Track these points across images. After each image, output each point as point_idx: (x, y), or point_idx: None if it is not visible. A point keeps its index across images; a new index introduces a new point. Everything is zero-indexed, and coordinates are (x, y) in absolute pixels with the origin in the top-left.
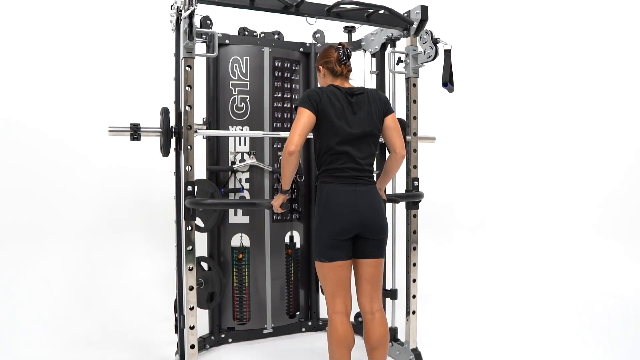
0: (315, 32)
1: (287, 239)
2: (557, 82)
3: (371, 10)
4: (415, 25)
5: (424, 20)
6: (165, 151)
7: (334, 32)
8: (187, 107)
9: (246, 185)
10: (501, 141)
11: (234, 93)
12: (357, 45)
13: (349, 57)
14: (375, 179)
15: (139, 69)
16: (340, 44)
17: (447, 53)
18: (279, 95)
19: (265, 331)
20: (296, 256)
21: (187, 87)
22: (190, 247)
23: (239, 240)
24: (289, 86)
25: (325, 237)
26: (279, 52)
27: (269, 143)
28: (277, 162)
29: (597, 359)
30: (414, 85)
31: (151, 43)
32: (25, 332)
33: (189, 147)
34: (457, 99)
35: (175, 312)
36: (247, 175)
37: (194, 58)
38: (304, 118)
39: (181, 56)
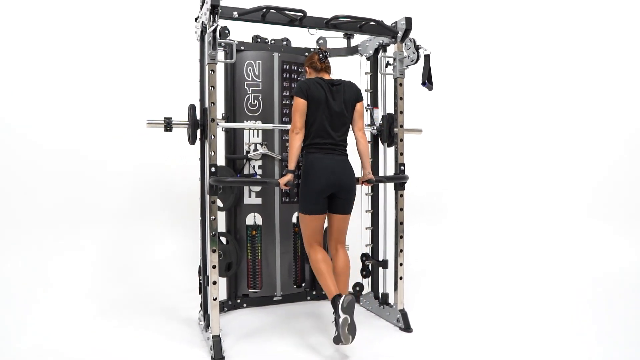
0: (318, 39)
1: (294, 219)
2: (544, 70)
3: (363, 22)
4: (400, 34)
5: (408, 29)
6: (192, 140)
7: (335, 38)
8: (210, 104)
9: (259, 172)
10: (490, 131)
11: (248, 92)
12: (355, 50)
13: (326, 57)
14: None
15: (167, 72)
16: (319, 48)
17: (427, 57)
18: (287, 94)
19: (275, 298)
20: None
21: (210, 88)
22: (213, 217)
23: (253, 219)
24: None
25: (308, 195)
26: (287, 57)
27: (279, 135)
28: (285, 151)
29: (595, 328)
30: (401, 84)
31: (179, 50)
32: (66, 299)
33: (212, 136)
34: (444, 95)
35: (200, 275)
36: (259, 162)
37: (216, 64)
38: (300, 105)
39: (205, 62)
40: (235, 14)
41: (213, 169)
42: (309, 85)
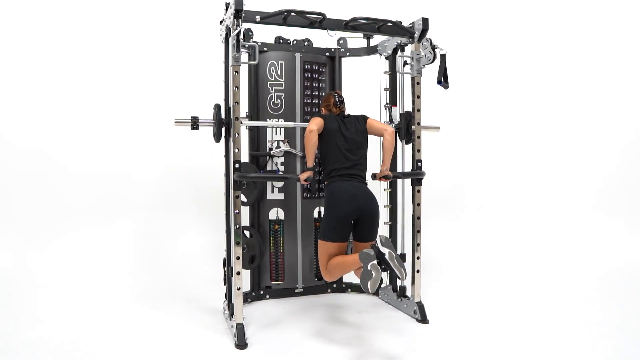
0: (339, 39)
1: (315, 214)
2: (554, 68)
3: (381, 24)
4: (417, 34)
5: (425, 30)
6: (217, 138)
7: (355, 38)
8: (235, 103)
9: (281, 168)
10: (504, 127)
11: (271, 91)
12: (374, 50)
13: (342, 102)
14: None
15: (191, 73)
16: (335, 92)
17: (442, 57)
18: (309, 92)
19: (296, 290)
20: None
21: (235, 88)
22: (237, 211)
23: (275, 213)
24: (317, 85)
25: (332, 222)
26: (308, 57)
27: (300, 132)
28: None
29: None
30: (418, 83)
31: (204, 52)
32: (98, 286)
33: (236, 134)
34: (460, 93)
35: (224, 267)
36: (282, 159)
37: (240, 65)
38: (317, 119)
39: (230, 63)
40: (258, 17)
41: (237, 165)
42: (324, 117)
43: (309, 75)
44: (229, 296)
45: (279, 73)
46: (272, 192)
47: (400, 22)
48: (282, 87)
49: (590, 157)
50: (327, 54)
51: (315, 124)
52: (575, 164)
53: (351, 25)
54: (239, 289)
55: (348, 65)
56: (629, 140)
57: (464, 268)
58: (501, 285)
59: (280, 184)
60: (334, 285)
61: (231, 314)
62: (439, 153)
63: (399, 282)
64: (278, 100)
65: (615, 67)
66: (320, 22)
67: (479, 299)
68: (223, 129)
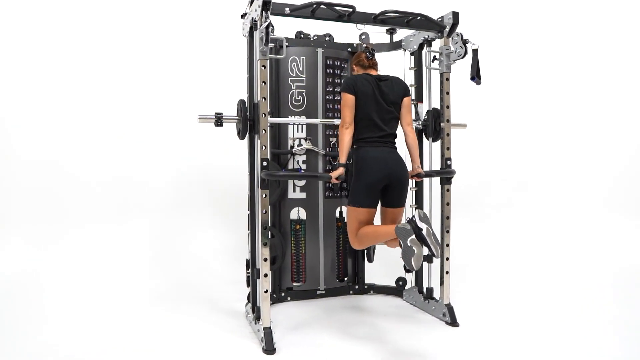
0: (361, 34)
1: (337, 214)
2: (571, 67)
3: (410, 17)
4: (447, 29)
5: (455, 24)
6: (242, 135)
7: (377, 33)
8: (262, 99)
9: (303, 166)
10: (522, 124)
11: (292, 87)
12: (398, 45)
13: (373, 54)
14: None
15: (204, 70)
16: (366, 46)
17: (475, 52)
18: (330, 89)
19: (318, 292)
20: (345, 229)
21: (262, 83)
22: (265, 211)
23: (297, 213)
24: (339, 81)
25: (362, 187)
26: (330, 52)
27: (322, 130)
28: (328, 146)
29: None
30: (447, 79)
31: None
32: (115, 288)
33: (263, 130)
34: (486, 90)
35: (247, 268)
36: (303, 157)
37: (267, 59)
38: (348, 100)
39: (256, 58)
40: (287, 10)
41: (265, 163)
42: (356, 80)
43: (331, 71)
44: (253, 299)
45: (300, 69)
46: (294, 191)
47: (429, 16)
48: (304, 83)
49: (604, 155)
50: (349, 49)
51: (349, 112)
52: (592, 162)
53: (380, 18)
54: (266, 292)
55: None
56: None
57: (487, 268)
58: (525, 285)
59: (302, 182)
60: (356, 287)
61: (257, 318)
62: (464, 151)
63: (425, 283)
64: (300, 96)
65: (630, 67)
66: (349, 15)
67: (505, 299)
68: (248, 126)
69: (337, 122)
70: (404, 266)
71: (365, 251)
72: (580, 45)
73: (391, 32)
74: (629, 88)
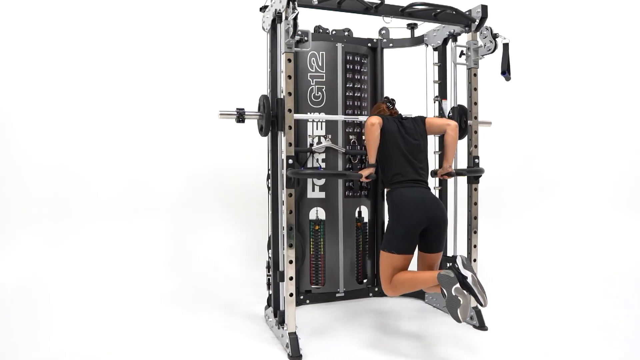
0: (381, 29)
1: (356, 214)
2: (582, 66)
3: (439, 10)
4: (476, 22)
5: (484, 17)
6: (265, 132)
7: (398, 28)
8: (287, 94)
9: (322, 165)
10: (532, 125)
11: (311, 83)
12: (420, 41)
13: (393, 104)
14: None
15: (215, 66)
16: (384, 97)
17: (505, 46)
18: (350, 85)
19: (337, 294)
20: (364, 229)
21: (287, 77)
22: (291, 211)
23: (315, 213)
24: (359, 77)
25: (399, 231)
26: (349, 48)
27: (342, 128)
28: (349, 144)
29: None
30: (475, 75)
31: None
32: (127, 290)
33: (289, 126)
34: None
35: (268, 270)
36: (322, 156)
37: (293, 52)
38: (376, 117)
39: (282, 51)
40: (315, 1)
41: (291, 161)
42: (382, 118)
43: (351, 67)
44: (274, 302)
45: (320, 64)
46: (313, 190)
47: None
48: (324, 79)
49: (613, 153)
50: (369, 44)
51: (375, 118)
52: (602, 160)
53: (408, 11)
54: (291, 295)
55: (390, 56)
56: None
57: (504, 269)
58: (546, 286)
59: (322, 182)
60: (376, 289)
61: (280, 322)
62: (488, 149)
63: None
64: (319, 92)
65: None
66: (376, 7)
67: (527, 301)
68: (271, 122)
69: (361, 118)
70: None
71: None
72: (596, 44)
73: (412, 27)
74: (631, 82)
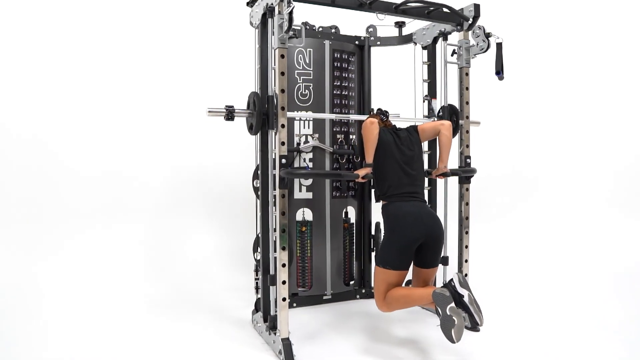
0: (368, 27)
1: (343, 214)
2: (576, 65)
3: (432, 8)
4: (470, 21)
5: (476, 16)
6: (256, 130)
7: (385, 26)
8: (280, 91)
9: (310, 164)
10: (524, 124)
11: (298, 81)
12: (408, 39)
13: (387, 116)
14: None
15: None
16: (379, 109)
17: (499, 46)
18: (338, 83)
19: (324, 297)
20: (351, 230)
21: (280, 74)
22: (284, 212)
23: (302, 214)
24: (346, 75)
25: (395, 247)
26: (337, 45)
27: (330, 126)
28: (336, 143)
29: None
30: (467, 74)
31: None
32: (109, 296)
33: (281, 125)
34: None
35: (256, 274)
36: (310, 155)
37: (287, 48)
38: (373, 119)
39: (275, 46)
40: None
41: (284, 161)
42: (379, 128)
43: (338, 64)
44: (264, 307)
45: (307, 62)
46: (300, 190)
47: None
48: (311, 77)
49: (608, 153)
50: (357, 42)
51: (374, 118)
52: (596, 160)
53: (401, 8)
54: (284, 300)
55: (377, 55)
56: None
57: (495, 269)
58: (537, 286)
59: (309, 182)
60: (363, 291)
61: (271, 327)
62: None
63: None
64: (306, 90)
65: (631, 65)
66: (370, 3)
67: (519, 301)
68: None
69: (355, 117)
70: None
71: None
72: (586, 43)
73: (400, 26)
74: (629, 81)
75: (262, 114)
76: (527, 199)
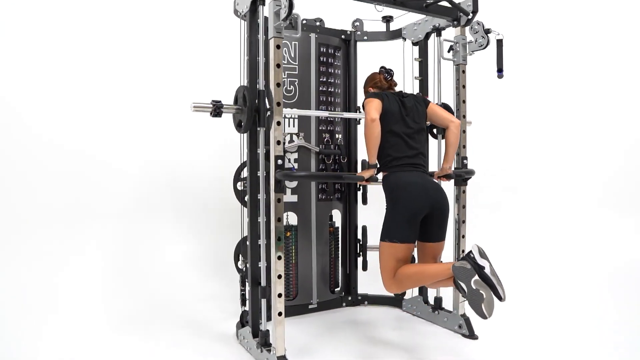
0: (354, 21)
1: (328, 218)
2: (562, 66)
3: (431, 1)
4: (470, 16)
5: (474, 12)
6: (246, 127)
7: (372, 21)
8: (275, 85)
9: (295, 165)
10: (515, 124)
11: (283, 76)
12: (397, 34)
13: (392, 75)
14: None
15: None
16: (381, 67)
17: (499, 42)
18: (324, 80)
19: (310, 306)
20: (336, 234)
21: (276, 66)
22: (279, 218)
23: (285, 219)
24: (332, 71)
25: (400, 218)
26: (322, 39)
27: (315, 124)
28: (322, 143)
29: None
30: (463, 71)
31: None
32: (71, 314)
33: (277, 122)
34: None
35: (242, 286)
36: (295, 155)
37: (282, 38)
38: (375, 102)
39: (272, 35)
40: None
41: (280, 162)
42: (383, 95)
43: (324, 59)
44: (253, 321)
45: (292, 56)
46: (285, 193)
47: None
48: (296, 72)
49: (598, 154)
50: (343, 36)
51: (375, 110)
52: (587, 160)
53: (400, 1)
54: (280, 315)
55: (364, 50)
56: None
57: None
58: (531, 288)
59: (294, 184)
60: (349, 298)
61: (263, 344)
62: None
63: (431, 293)
64: (291, 86)
65: (623, 63)
66: None
67: (514, 305)
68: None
69: (348, 115)
70: None
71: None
72: (580, 41)
73: (387, 20)
74: (619, 83)
75: (253, 110)
76: (517, 198)
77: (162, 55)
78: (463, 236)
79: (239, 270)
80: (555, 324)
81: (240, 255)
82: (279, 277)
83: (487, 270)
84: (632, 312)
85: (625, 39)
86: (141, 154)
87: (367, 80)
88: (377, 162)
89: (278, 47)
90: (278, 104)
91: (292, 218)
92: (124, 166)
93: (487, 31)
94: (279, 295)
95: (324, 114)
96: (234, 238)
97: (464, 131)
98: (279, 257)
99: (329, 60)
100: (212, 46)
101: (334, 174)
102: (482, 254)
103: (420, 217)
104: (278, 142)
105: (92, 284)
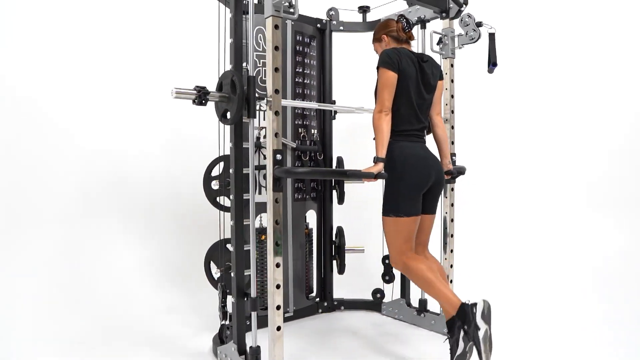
0: (329, 9)
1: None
2: (553, 69)
3: None
4: (462, 8)
5: (465, 3)
6: (235, 118)
7: (348, 10)
8: (274, 70)
9: None
10: (502, 123)
11: (258, 65)
12: (374, 26)
13: (411, 27)
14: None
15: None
16: (400, 15)
17: (492, 36)
18: (300, 70)
19: (286, 315)
20: (310, 236)
21: (274, 49)
22: (277, 221)
23: (259, 221)
24: (307, 62)
25: (407, 192)
26: (298, 26)
27: (292, 118)
28: (298, 138)
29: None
30: (452, 65)
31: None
32: (11, 336)
33: (275, 112)
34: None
35: (223, 296)
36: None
37: (281, 17)
38: (390, 79)
39: (270, 13)
40: None
41: (279, 157)
42: (401, 56)
43: (300, 48)
44: (238, 337)
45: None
46: (260, 193)
47: None
48: None
49: (585, 156)
50: (318, 25)
51: (389, 94)
52: (570, 162)
53: None
54: (279, 329)
55: (340, 41)
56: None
57: (477, 271)
58: (519, 288)
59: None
60: (325, 304)
61: None
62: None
63: (414, 295)
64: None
65: (609, 64)
66: None
67: (504, 305)
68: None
69: (340, 108)
70: (384, 276)
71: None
72: (574, 39)
73: (364, 11)
74: (605, 85)
75: (243, 99)
76: (506, 197)
77: (126, 38)
78: (452, 235)
79: (212, 279)
80: (544, 323)
81: (212, 263)
82: (278, 287)
83: (481, 334)
84: (615, 307)
85: (616, 40)
86: (86, 144)
87: (380, 25)
88: (384, 156)
89: (276, 27)
90: (277, 91)
91: (265, 219)
92: (63, 164)
93: (479, 24)
94: (278, 308)
95: (313, 105)
96: (191, 241)
97: (453, 127)
98: (277, 265)
99: (305, 50)
100: (178, 26)
101: (338, 170)
102: (485, 315)
103: (424, 189)
104: (276, 135)
105: (30, 301)
